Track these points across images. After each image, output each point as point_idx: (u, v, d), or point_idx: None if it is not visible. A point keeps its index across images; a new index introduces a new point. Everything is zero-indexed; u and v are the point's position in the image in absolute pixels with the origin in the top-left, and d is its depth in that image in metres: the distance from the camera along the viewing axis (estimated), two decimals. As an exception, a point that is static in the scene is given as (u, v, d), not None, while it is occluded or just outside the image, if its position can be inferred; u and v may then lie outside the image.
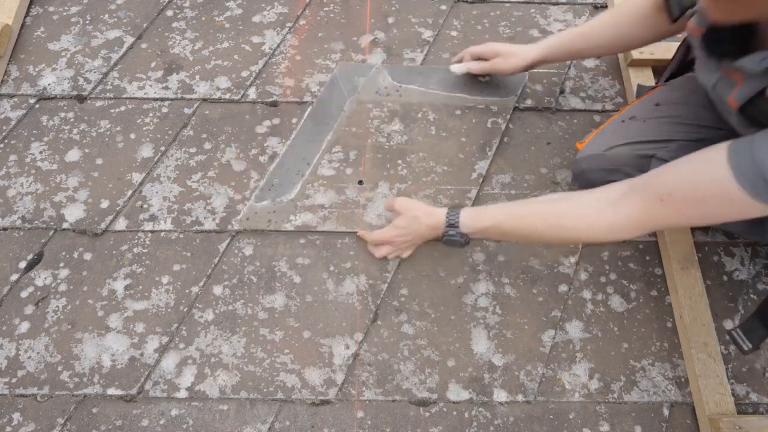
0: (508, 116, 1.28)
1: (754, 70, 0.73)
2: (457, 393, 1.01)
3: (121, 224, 1.14)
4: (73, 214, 1.15)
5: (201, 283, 1.09)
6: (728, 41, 0.77)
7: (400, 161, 1.22)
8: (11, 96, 1.28)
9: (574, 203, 0.90)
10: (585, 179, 1.11)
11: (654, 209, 0.79)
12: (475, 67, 1.23)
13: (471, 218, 0.98)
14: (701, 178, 0.74)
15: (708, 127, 0.99)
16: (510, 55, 1.17)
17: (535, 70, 1.31)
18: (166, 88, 1.30)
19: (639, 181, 0.83)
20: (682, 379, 1.03)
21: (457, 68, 1.27)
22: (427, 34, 1.41)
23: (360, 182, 1.19)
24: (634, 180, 0.84)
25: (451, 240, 1.01)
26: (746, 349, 0.87)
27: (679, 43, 1.11)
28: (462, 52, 1.28)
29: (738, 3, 0.66)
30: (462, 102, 1.29)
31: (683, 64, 1.11)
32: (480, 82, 1.31)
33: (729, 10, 0.68)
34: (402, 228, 1.05)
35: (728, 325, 1.08)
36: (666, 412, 1.01)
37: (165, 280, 1.09)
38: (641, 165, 1.00)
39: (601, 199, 0.86)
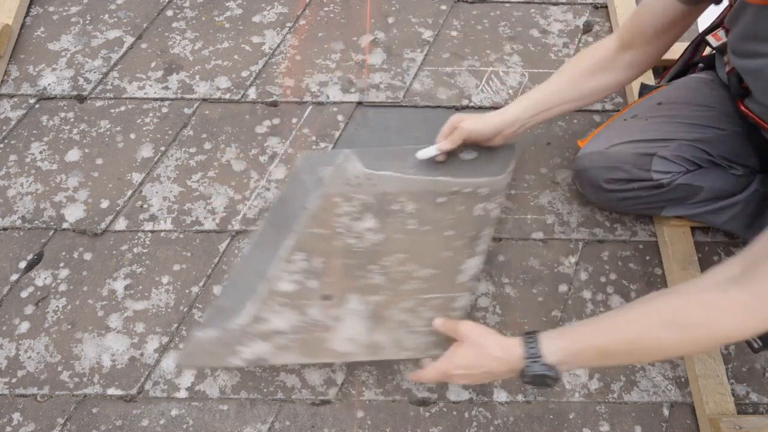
0: (500, 199, 1.07)
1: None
2: (457, 393, 1.01)
3: (121, 224, 1.14)
4: (73, 214, 1.15)
5: (201, 283, 1.09)
6: None
7: (373, 266, 1.01)
8: (11, 96, 1.28)
9: (691, 293, 0.70)
10: (586, 177, 1.11)
11: None
12: (445, 144, 1.06)
13: (555, 343, 0.76)
14: None
15: (709, 127, 1.00)
16: (481, 116, 1.05)
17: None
18: (166, 88, 1.31)
19: (753, 251, 0.68)
20: (682, 379, 1.03)
21: (424, 153, 1.08)
22: (427, 34, 1.41)
23: (326, 297, 0.98)
24: (748, 250, 0.68)
25: (535, 376, 0.76)
26: (756, 347, 0.84)
27: (687, 45, 1.12)
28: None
29: None
30: (446, 186, 1.07)
31: (687, 65, 1.12)
32: (464, 161, 1.11)
33: None
34: (465, 360, 0.82)
35: (728, 325, 1.08)
36: (666, 412, 1.01)
37: (165, 280, 1.09)
38: (642, 163, 1.01)
39: (721, 281, 0.68)
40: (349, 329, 0.95)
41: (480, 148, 1.11)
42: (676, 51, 1.14)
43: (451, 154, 1.10)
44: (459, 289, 0.99)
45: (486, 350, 0.81)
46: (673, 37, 0.96)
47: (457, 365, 0.82)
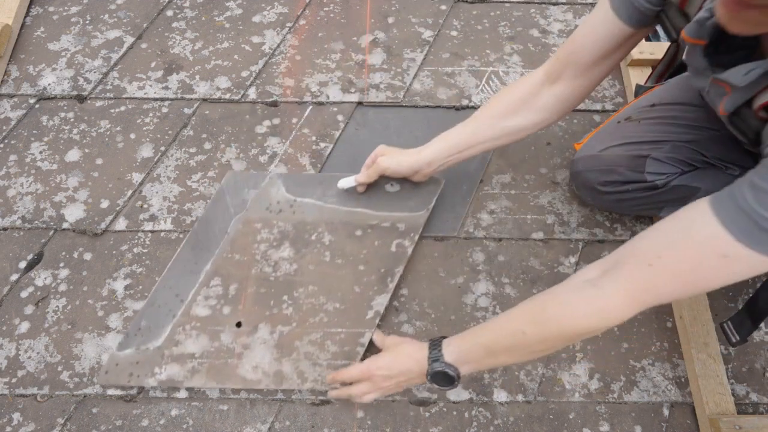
0: (417, 236, 1.09)
1: (738, 83, 0.68)
2: (457, 393, 1.01)
3: (121, 224, 1.14)
4: (73, 214, 1.15)
5: (201, 283, 1.09)
6: (731, 52, 0.70)
7: (285, 296, 1.04)
8: (11, 96, 1.28)
9: (554, 292, 0.77)
10: (581, 180, 1.11)
11: (644, 277, 0.68)
12: (361, 177, 1.07)
13: (452, 343, 0.84)
14: (690, 238, 0.64)
15: (702, 128, 0.99)
16: (399, 152, 1.05)
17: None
18: (166, 88, 1.30)
19: (619, 252, 0.73)
20: (682, 379, 1.03)
21: (344, 182, 1.10)
22: (427, 34, 1.41)
23: (238, 324, 1.01)
24: (613, 253, 0.74)
25: (436, 374, 0.83)
26: (734, 341, 0.87)
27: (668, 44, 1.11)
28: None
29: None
30: (364, 219, 1.10)
31: (677, 65, 1.11)
32: (387, 192, 1.13)
33: (755, 23, 0.59)
34: (384, 361, 0.89)
35: (728, 325, 1.08)
36: (666, 412, 1.01)
37: (165, 280, 1.09)
38: (636, 165, 1.01)
39: (580, 280, 0.74)
40: (256, 357, 0.99)
41: (403, 180, 1.13)
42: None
43: (374, 185, 1.13)
44: (366, 325, 1.01)
45: (403, 350, 0.89)
46: (607, 68, 0.92)
47: (379, 365, 0.89)
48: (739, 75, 0.67)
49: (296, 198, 1.13)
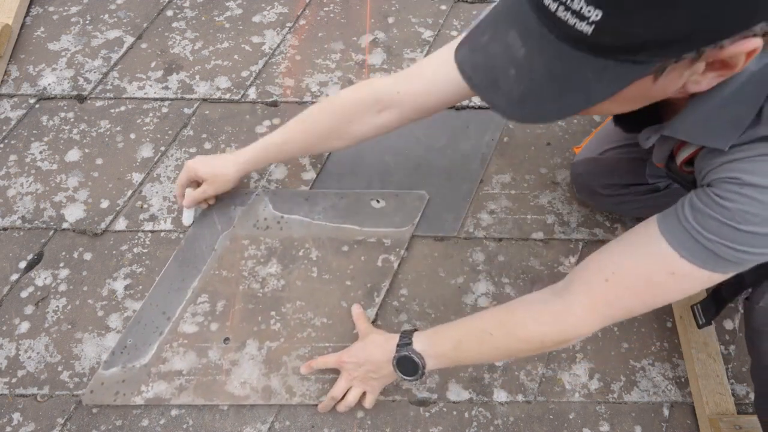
0: (403, 251, 1.11)
1: (644, 146, 0.70)
2: (457, 393, 1.01)
3: (121, 224, 1.14)
4: (73, 214, 1.15)
5: (201, 283, 1.09)
6: (635, 117, 0.70)
7: (273, 312, 1.04)
8: (11, 96, 1.28)
9: (525, 299, 0.80)
10: (581, 183, 1.11)
11: (602, 292, 0.71)
12: (187, 201, 1.06)
13: (423, 334, 0.86)
14: (640, 256, 0.67)
15: None
16: (214, 177, 1.03)
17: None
18: (166, 88, 1.30)
19: (583, 265, 0.75)
20: (682, 379, 1.03)
21: (186, 218, 1.10)
22: (427, 34, 1.41)
23: (226, 340, 1.02)
24: (579, 266, 0.76)
25: (401, 357, 0.85)
26: (700, 323, 0.93)
27: None
28: (177, 190, 1.08)
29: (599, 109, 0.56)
30: (351, 235, 1.12)
31: None
32: (373, 208, 1.14)
33: (591, 113, 0.64)
34: (354, 349, 0.93)
35: (728, 325, 1.08)
36: (666, 412, 1.01)
37: (165, 280, 1.09)
38: (635, 168, 1.00)
39: (546, 293, 0.78)
40: (244, 373, 0.99)
41: (388, 196, 1.15)
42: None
43: (360, 202, 1.14)
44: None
45: (373, 339, 0.92)
46: (440, 109, 0.90)
47: (350, 353, 0.92)
48: (643, 139, 0.70)
49: (283, 215, 1.14)
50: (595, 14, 0.44)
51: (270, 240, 1.11)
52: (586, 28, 0.45)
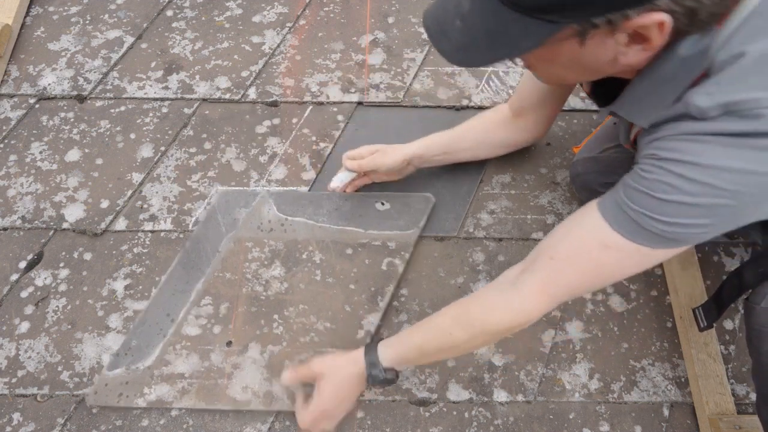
0: (408, 255, 1.09)
1: (598, 120, 0.76)
2: (457, 393, 1.01)
3: (121, 224, 1.14)
4: (73, 214, 1.15)
5: (201, 283, 1.09)
6: (603, 94, 0.77)
7: (276, 316, 1.03)
8: (11, 96, 1.28)
9: (478, 294, 0.84)
10: (581, 182, 1.11)
11: (549, 271, 0.74)
12: (351, 165, 1.09)
13: (387, 348, 0.87)
14: (578, 230, 0.72)
15: None
16: (387, 149, 1.09)
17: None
18: (166, 88, 1.30)
19: (534, 250, 0.79)
20: (682, 379, 1.03)
21: (336, 180, 1.11)
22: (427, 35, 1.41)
23: (229, 343, 1.01)
24: (524, 259, 0.80)
25: (375, 379, 0.86)
26: (702, 326, 0.93)
27: None
28: (351, 153, 1.11)
29: (553, 72, 0.68)
30: (355, 237, 1.11)
31: None
32: (378, 211, 1.13)
33: (549, 80, 0.73)
34: (329, 394, 0.88)
35: (728, 325, 1.08)
36: (666, 412, 1.01)
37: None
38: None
39: (501, 281, 0.80)
40: (246, 377, 0.98)
41: (393, 198, 1.15)
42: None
43: (364, 204, 1.14)
44: (357, 344, 0.98)
45: (340, 370, 0.88)
46: (554, 109, 1.05)
47: (324, 401, 0.87)
48: (601, 116, 0.78)
49: (287, 217, 1.13)
50: None
51: (274, 242, 1.10)
52: None
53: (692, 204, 0.60)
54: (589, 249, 0.70)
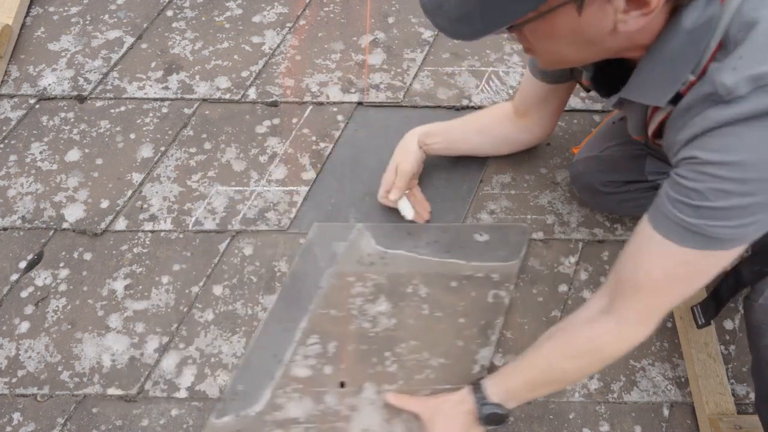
0: (512, 287, 1.08)
1: (606, 107, 0.74)
2: (457, 393, 1.01)
3: (121, 224, 1.14)
4: (73, 214, 1.15)
5: (201, 283, 1.09)
6: (609, 84, 0.75)
7: (388, 353, 1.01)
8: (11, 96, 1.28)
9: (575, 326, 0.82)
10: (582, 181, 1.11)
11: (642, 302, 0.74)
12: (395, 195, 1.09)
13: (495, 384, 0.88)
14: (648, 256, 0.70)
15: None
16: (401, 161, 1.10)
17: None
18: (166, 88, 1.31)
19: (611, 285, 0.78)
20: (682, 379, 1.03)
21: (406, 210, 1.11)
22: (427, 34, 1.41)
23: (342, 384, 0.98)
24: (608, 280, 0.80)
25: (488, 416, 0.87)
26: (700, 323, 0.94)
27: None
28: (383, 190, 1.12)
29: (553, 54, 0.66)
30: (458, 270, 1.09)
31: None
32: (477, 242, 1.12)
33: (550, 61, 0.69)
34: (440, 428, 0.89)
35: (728, 325, 1.08)
36: (666, 412, 1.01)
37: (165, 280, 1.09)
38: (636, 165, 1.01)
39: (592, 311, 0.80)
40: (365, 419, 0.95)
41: (492, 230, 1.14)
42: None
43: (463, 235, 1.13)
44: (472, 379, 0.95)
45: (445, 413, 0.89)
46: (555, 108, 1.04)
47: None
48: (609, 104, 0.74)
49: (387, 249, 1.11)
50: None
51: (376, 276, 1.08)
52: None
53: (752, 203, 0.58)
54: (672, 273, 0.69)
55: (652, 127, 0.75)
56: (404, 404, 0.95)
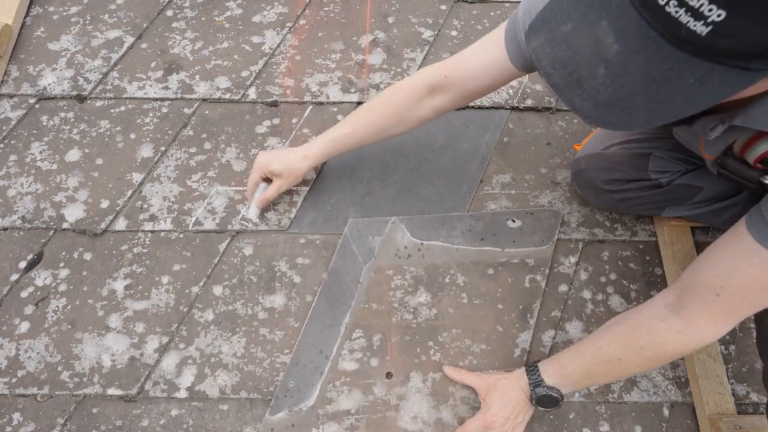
0: (547, 270, 1.11)
1: (708, 137, 0.68)
2: (457, 393, 1.01)
3: (121, 224, 1.14)
4: (73, 214, 1.15)
5: (201, 283, 1.09)
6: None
7: (431, 342, 1.04)
8: (11, 96, 1.28)
9: (640, 318, 0.81)
10: (584, 179, 1.11)
11: (718, 305, 0.72)
12: (261, 202, 1.11)
13: (550, 367, 0.89)
14: (742, 262, 0.68)
15: None
16: (289, 173, 1.06)
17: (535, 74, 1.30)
18: (166, 88, 1.30)
19: (685, 284, 0.77)
20: (682, 379, 1.03)
21: (252, 214, 1.13)
22: (427, 34, 1.41)
23: (388, 375, 1.01)
24: (682, 278, 0.78)
25: (541, 397, 0.88)
26: None
27: None
28: (248, 192, 1.13)
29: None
30: (493, 257, 1.12)
31: None
32: (510, 228, 1.14)
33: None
34: (493, 409, 0.91)
35: (728, 325, 1.08)
36: (666, 412, 1.01)
37: (165, 280, 1.09)
38: (639, 163, 1.01)
39: (658, 307, 0.79)
40: (413, 407, 0.99)
41: (524, 215, 1.15)
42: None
43: (496, 222, 1.15)
44: (515, 363, 0.98)
45: (503, 387, 0.92)
46: (486, 91, 0.96)
47: (492, 413, 0.91)
48: (706, 129, 0.66)
49: (423, 241, 1.13)
50: (717, 14, 0.39)
51: (414, 268, 1.11)
52: (701, 29, 0.40)
53: None
54: (760, 280, 0.68)
55: (758, 153, 0.69)
56: (461, 378, 0.98)
